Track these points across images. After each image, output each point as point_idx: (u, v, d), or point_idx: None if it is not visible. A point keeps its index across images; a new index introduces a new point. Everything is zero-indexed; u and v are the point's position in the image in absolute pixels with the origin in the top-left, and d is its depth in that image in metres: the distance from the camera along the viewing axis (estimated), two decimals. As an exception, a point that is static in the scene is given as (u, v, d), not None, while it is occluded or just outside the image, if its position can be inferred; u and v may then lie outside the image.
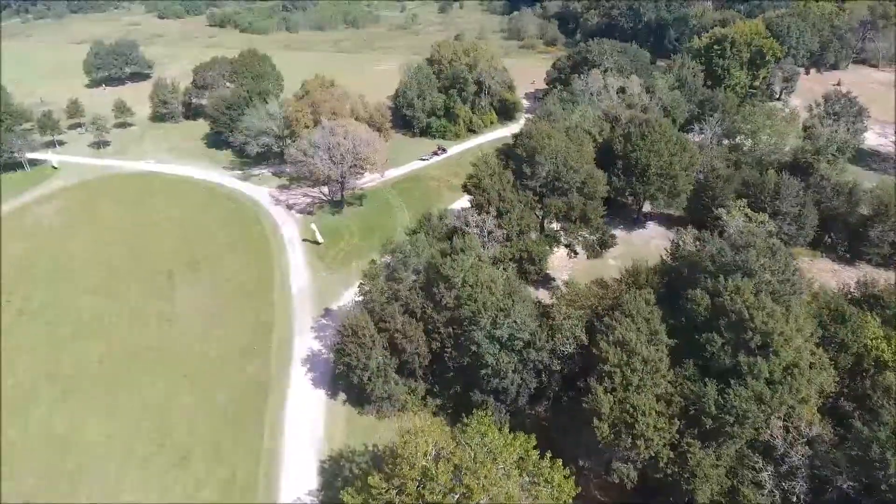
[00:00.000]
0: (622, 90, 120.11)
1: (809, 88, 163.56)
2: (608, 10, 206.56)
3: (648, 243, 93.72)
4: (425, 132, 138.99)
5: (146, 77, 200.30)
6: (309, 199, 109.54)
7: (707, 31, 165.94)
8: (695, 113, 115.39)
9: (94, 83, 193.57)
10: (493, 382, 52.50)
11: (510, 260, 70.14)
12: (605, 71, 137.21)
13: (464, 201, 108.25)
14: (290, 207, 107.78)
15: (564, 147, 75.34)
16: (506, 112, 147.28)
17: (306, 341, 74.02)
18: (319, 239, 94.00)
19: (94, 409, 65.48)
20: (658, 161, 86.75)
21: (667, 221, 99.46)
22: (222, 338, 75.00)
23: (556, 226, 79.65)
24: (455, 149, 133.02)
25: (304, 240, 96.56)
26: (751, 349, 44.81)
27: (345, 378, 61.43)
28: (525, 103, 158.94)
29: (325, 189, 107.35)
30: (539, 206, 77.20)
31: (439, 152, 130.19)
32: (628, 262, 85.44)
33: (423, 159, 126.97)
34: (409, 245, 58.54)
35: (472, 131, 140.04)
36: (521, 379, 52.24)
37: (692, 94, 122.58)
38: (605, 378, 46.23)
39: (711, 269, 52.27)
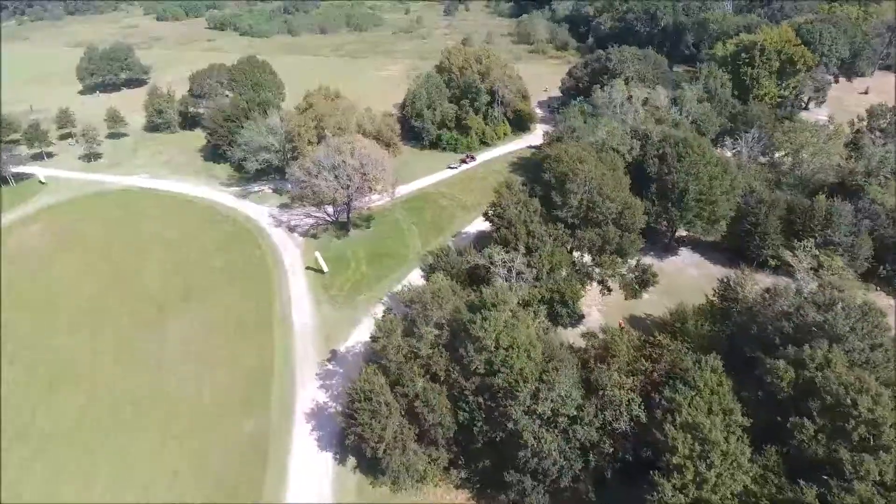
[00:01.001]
0: (646, 102, 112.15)
1: (836, 97, 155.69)
2: (623, 13, 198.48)
3: (683, 272, 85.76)
4: (435, 145, 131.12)
5: (142, 83, 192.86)
6: (312, 221, 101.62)
7: (729, 37, 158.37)
8: (726, 127, 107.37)
9: (88, 89, 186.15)
10: (531, 463, 44.66)
11: (540, 302, 62.33)
12: (627, 80, 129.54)
13: (479, 223, 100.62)
14: (291, 230, 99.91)
15: (599, 173, 67.40)
16: (519, 123, 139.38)
17: (310, 391, 66.13)
18: (324, 268, 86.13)
19: (71, 472, 57.74)
20: (697, 185, 78.90)
21: (701, 247, 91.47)
22: (217, 385, 67.14)
23: (587, 258, 71.70)
24: (466, 164, 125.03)
25: (307, 268, 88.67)
26: (852, 440, 36.92)
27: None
28: (538, 112, 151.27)
29: (330, 209, 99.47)
30: (570, 238, 69.18)
31: (468, 160, 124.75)
32: (663, 296, 78.10)
33: (452, 167, 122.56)
34: (430, 294, 50.67)
35: (484, 143, 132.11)
36: (565, 459, 44.35)
37: (722, 107, 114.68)
38: (674, 472, 38.31)
39: (789, 331, 44.36)
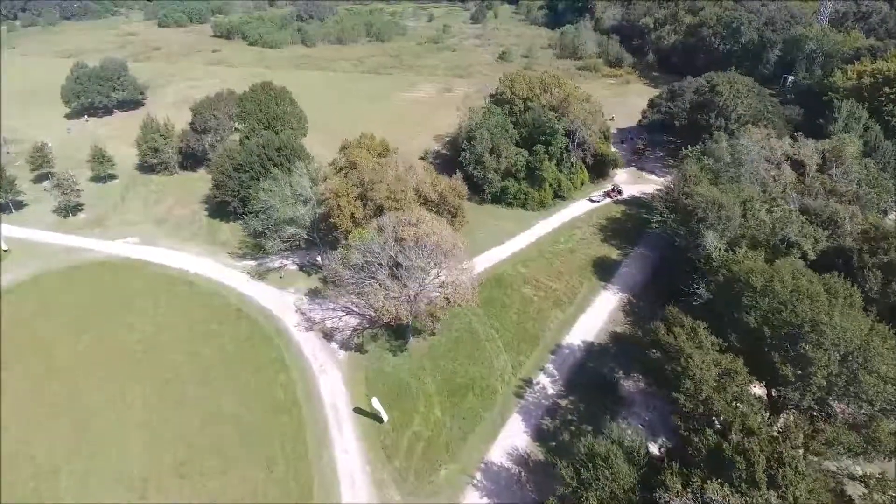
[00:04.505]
0: (790, 158, 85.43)
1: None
2: (694, 26, 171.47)
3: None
4: (498, 198, 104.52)
5: (138, 104, 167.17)
6: (355, 320, 75.03)
7: (841, 60, 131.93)
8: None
9: (75, 113, 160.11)
10: None
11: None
12: (740, 121, 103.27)
13: (583, 327, 74.38)
14: (328, 335, 73.34)
15: (856, 329, 40.72)
16: (598, 168, 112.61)
17: None
18: (382, 415, 59.63)
19: None
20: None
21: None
22: None
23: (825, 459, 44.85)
24: (541, 226, 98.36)
25: (355, 409, 62.23)
26: None
27: None
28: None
29: (380, 305, 72.93)
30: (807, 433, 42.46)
31: (613, 194, 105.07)
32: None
33: (594, 201, 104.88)
34: None
35: (559, 196, 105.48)
36: None
37: (885, 163, 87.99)
38: None
39: None
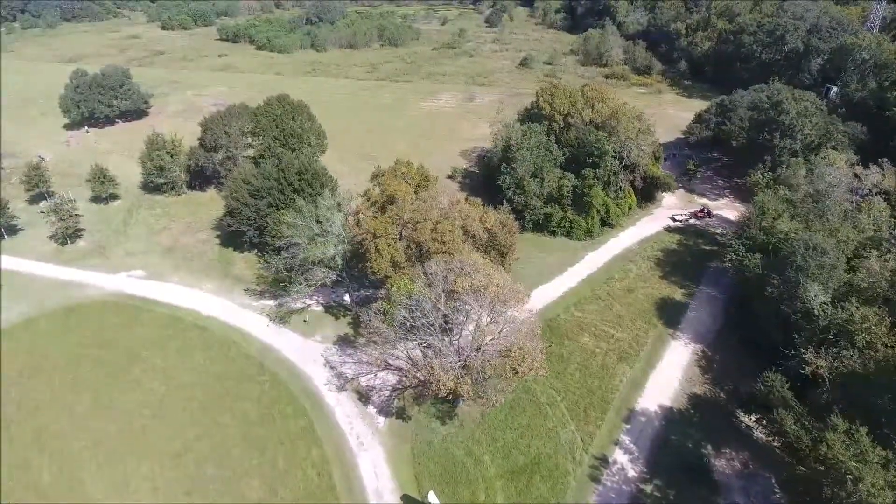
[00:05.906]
0: (879, 190, 75.72)
1: None
2: (732, 33, 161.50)
3: None
4: (540, 226, 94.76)
5: (142, 113, 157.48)
6: (393, 378, 65.29)
7: (880, 68, 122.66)
8: None
9: (76, 123, 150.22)
10: None
11: None
12: (805, 141, 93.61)
13: (657, 388, 64.67)
14: (363, 396, 63.62)
15: None
16: (646, 191, 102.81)
17: None
18: (437, 508, 49.92)
19: None
20: None
21: None
22: None
23: None
24: (590, 259, 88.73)
25: (403, 497, 52.44)
26: None
27: None
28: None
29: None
30: None
31: (701, 215, 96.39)
32: None
33: (677, 220, 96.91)
34: None
35: (606, 224, 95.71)
36: None
37: None
38: None
39: None
